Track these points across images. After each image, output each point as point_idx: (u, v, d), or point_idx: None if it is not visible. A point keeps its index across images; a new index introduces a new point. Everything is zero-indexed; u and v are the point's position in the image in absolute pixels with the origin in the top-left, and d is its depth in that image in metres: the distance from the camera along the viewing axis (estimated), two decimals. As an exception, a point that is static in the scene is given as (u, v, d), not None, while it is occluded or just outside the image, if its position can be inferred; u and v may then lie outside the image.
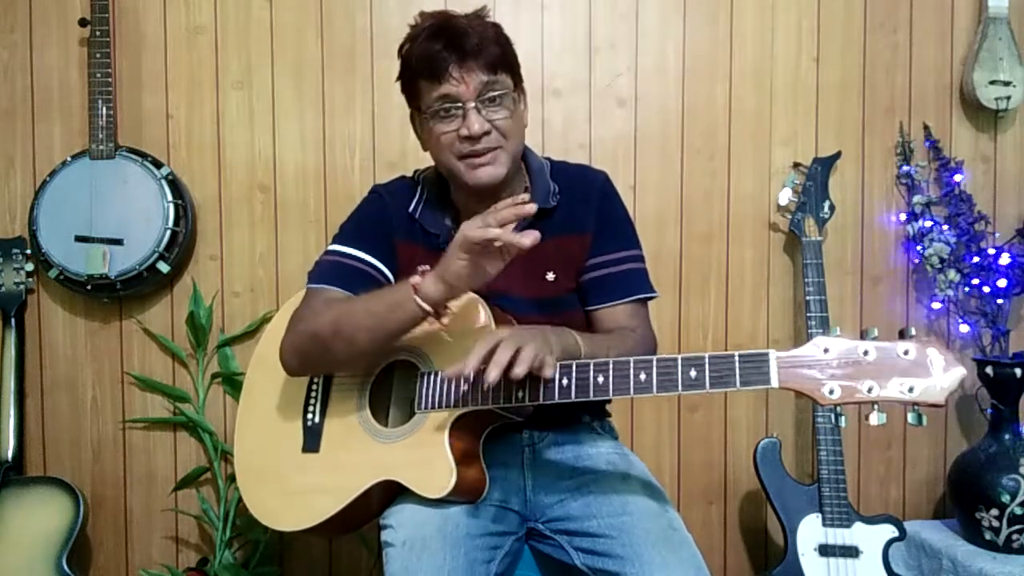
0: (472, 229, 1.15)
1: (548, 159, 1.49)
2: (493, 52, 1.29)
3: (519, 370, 1.10)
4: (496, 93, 1.30)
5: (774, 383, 1.06)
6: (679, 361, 1.12)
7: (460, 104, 1.29)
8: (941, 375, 1.01)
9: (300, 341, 1.35)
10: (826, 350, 1.05)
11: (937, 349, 1.02)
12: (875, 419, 1.05)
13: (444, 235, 1.40)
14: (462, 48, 1.27)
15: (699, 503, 2.30)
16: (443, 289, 1.20)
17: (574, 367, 1.19)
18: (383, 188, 1.49)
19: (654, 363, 1.14)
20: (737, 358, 1.09)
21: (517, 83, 1.37)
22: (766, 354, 1.08)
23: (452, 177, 1.38)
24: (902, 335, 1.04)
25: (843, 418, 1.10)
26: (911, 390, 1.01)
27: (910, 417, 1.04)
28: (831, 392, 1.04)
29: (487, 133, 1.30)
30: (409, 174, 1.51)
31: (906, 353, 1.02)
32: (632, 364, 1.15)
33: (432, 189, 1.45)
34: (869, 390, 1.03)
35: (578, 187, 1.44)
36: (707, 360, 1.11)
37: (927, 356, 1.02)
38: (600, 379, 1.17)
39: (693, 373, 1.11)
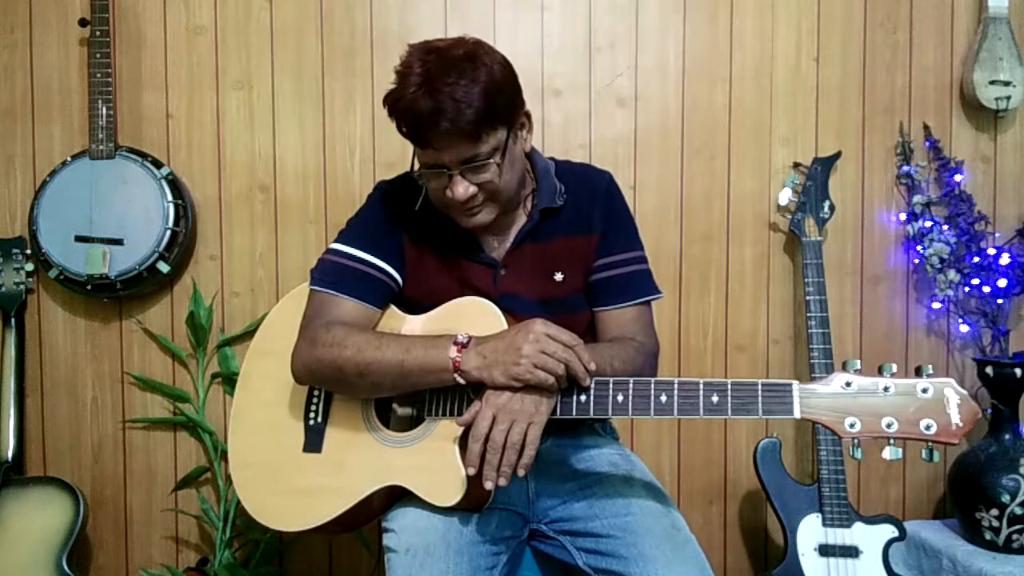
0: (530, 368, 1.17)
1: (552, 159, 1.49)
2: (473, 118, 1.21)
3: (521, 467, 1.18)
4: (480, 163, 1.26)
5: (796, 414, 1.10)
6: (701, 385, 1.14)
7: (446, 169, 1.28)
8: (957, 414, 1.05)
9: (320, 368, 1.31)
10: (847, 384, 1.09)
11: (954, 388, 1.06)
12: (889, 454, 1.09)
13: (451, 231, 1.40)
14: (438, 124, 1.20)
15: (699, 503, 2.30)
16: (484, 378, 1.20)
17: (592, 384, 1.20)
18: (389, 184, 1.48)
19: (675, 385, 1.15)
20: (760, 387, 1.12)
21: (512, 126, 1.30)
22: (789, 385, 1.11)
23: None
24: (919, 372, 1.08)
25: (859, 450, 1.12)
26: (928, 428, 1.06)
27: (923, 453, 1.08)
28: (852, 426, 1.08)
29: (473, 196, 1.30)
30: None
31: (925, 391, 1.07)
32: (653, 385, 1.16)
33: None
34: (888, 425, 1.07)
35: (584, 186, 1.45)
36: (729, 387, 1.13)
37: (944, 394, 1.06)
38: (620, 398, 1.18)
39: (715, 398, 1.13)
